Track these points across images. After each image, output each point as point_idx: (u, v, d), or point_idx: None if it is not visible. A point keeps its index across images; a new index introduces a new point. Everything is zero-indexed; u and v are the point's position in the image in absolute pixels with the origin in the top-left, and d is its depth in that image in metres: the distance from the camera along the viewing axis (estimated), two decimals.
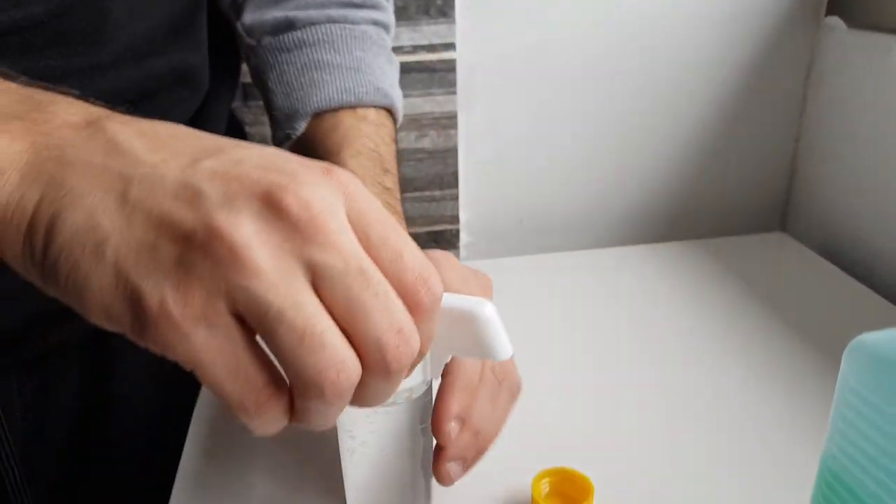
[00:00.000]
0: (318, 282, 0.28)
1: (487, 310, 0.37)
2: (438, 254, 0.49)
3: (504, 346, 0.37)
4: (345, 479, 0.44)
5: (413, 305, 0.30)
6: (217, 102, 0.63)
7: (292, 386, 0.29)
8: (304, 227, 0.27)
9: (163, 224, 0.27)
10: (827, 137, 0.91)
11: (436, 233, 0.94)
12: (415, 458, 0.43)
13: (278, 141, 0.63)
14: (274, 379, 0.29)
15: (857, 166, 0.85)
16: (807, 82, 0.93)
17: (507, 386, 0.48)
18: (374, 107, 0.62)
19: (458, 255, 0.96)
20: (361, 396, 0.30)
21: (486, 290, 0.50)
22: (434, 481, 0.45)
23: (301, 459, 0.57)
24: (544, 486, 0.50)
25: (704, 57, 0.91)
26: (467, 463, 0.45)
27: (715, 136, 0.95)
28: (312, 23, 0.61)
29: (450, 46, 0.85)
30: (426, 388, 0.41)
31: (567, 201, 0.97)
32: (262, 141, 0.85)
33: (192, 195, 0.28)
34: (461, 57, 0.87)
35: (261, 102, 0.83)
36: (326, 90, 0.60)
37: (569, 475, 0.51)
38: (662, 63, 0.91)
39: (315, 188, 0.28)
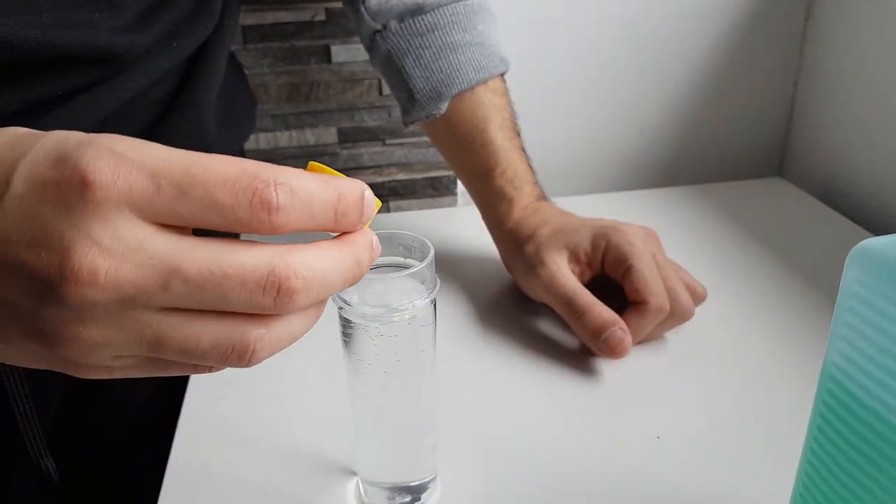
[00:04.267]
0: (164, 306, 0.27)
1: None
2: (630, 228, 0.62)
3: None
4: (351, 398, 0.45)
5: (267, 229, 0.27)
6: (220, 43, 0.63)
7: None
8: (108, 298, 0.26)
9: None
10: (825, 82, 0.91)
11: (433, 179, 0.94)
12: (418, 377, 0.43)
13: (413, 120, 0.67)
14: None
15: (855, 111, 0.85)
16: (805, 25, 0.93)
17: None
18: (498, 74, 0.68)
19: (454, 202, 0.96)
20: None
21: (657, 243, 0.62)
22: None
23: (304, 397, 0.58)
24: None
25: (704, 0, 0.90)
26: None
27: (713, 82, 0.95)
28: (440, 4, 0.65)
29: None
30: (428, 312, 0.41)
31: (564, 147, 0.97)
32: (258, 85, 0.85)
33: (1, 300, 0.27)
34: None
35: (260, 45, 0.83)
36: (465, 71, 0.65)
37: None
38: (660, 6, 0.90)
39: (87, 249, 0.25)
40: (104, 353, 0.28)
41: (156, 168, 0.26)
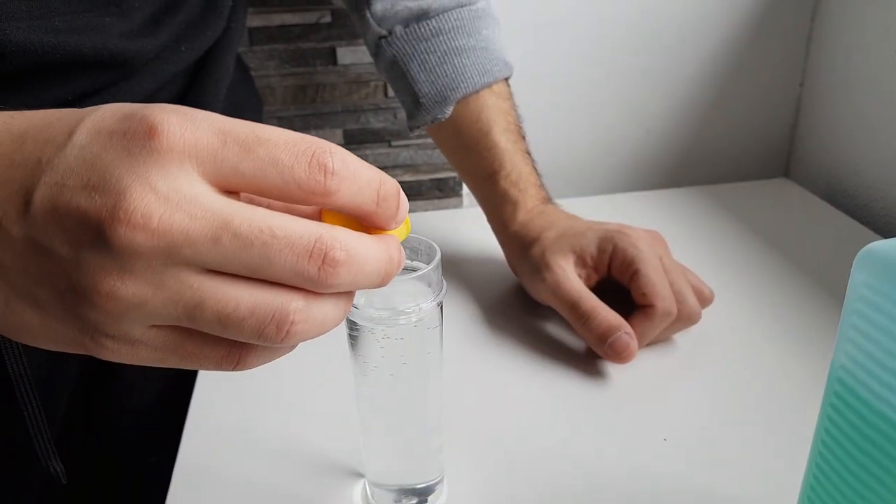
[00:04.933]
0: (209, 265, 0.27)
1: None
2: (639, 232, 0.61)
3: None
4: (358, 400, 0.45)
5: (321, 192, 0.28)
6: (227, 46, 0.63)
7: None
8: (156, 246, 0.26)
9: (42, 281, 0.28)
10: (831, 83, 0.91)
11: (439, 180, 0.94)
12: (425, 380, 0.44)
13: (419, 124, 0.68)
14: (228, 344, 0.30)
15: (861, 111, 0.85)
16: (811, 26, 0.93)
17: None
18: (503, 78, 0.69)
19: (460, 203, 0.96)
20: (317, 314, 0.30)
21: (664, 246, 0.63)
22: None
23: (312, 399, 0.58)
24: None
25: (709, 1, 0.90)
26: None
27: (719, 82, 0.95)
28: (444, 10, 0.65)
29: None
30: (434, 315, 0.41)
31: (569, 149, 0.97)
32: (264, 87, 0.85)
33: (43, 251, 0.27)
34: None
35: (266, 47, 0.83)
36: (469, 75, 0.66)
37: None
38: (666, 7, 0.90)
39: (143, 193, 0.26)
40: (137, 318, 0.27)
41: (221, 128, 0.27)
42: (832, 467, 0.35)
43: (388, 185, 0.30)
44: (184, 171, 0.26)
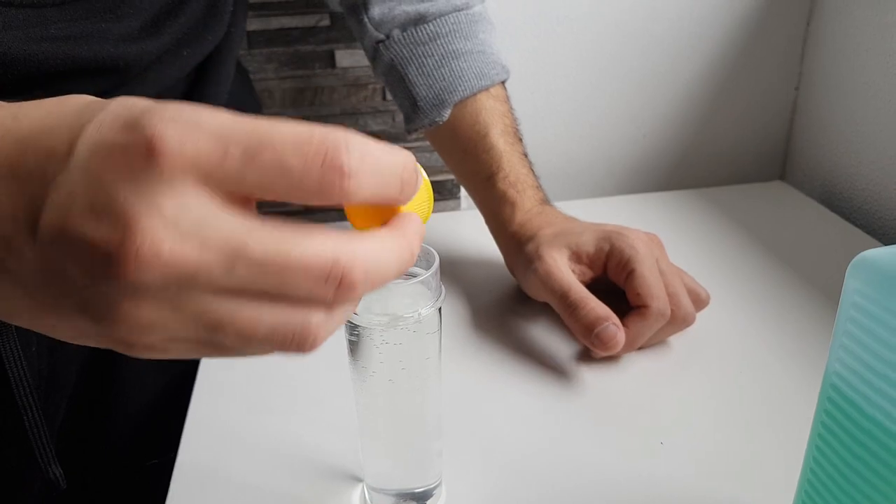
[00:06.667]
0: (225, 289, 0.26)
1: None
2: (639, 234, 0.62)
3: None
4: (357, 405, 0.45)
5: (337, 196, 0.26)
6: (228, 50, 0.63)
7: None
8: (169, 276, 0.25)
9: (61, 299, 0.27)
10: (827, 86, 0.91)
11: (436, 183, 0.94)
12: (423, 385, 0.44)
13: (416, 127, 0.68)
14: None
15: (857, 114, 0.85)
16: (807, 30, 0.93)
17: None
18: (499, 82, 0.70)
19: (458, 206, 0.97)
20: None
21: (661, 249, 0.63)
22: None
23: (311, 403, 0.59)
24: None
25: (705, 3, 0.90)
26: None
27: (715, 86, 0.96)
28: (441, 14, 0.66)
29: None
30: (433, 320, 0.42)
31: (567, 151, 0.97)
32: (263, 90, 0.85)
33: (58, 273, 0.26)
34: None
35: (264, 50, 0.83)
36: (466, 78, 0.66)
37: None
38: (663, 10, 0.90)
39: (150, 221, 0.25)
40: (158, 335, 0.27)
41: (222, 132, 0.25)
42: (826, 472, 0.36)
43: (410, 166, 0.29)
44: (189, 188, 0.25)
